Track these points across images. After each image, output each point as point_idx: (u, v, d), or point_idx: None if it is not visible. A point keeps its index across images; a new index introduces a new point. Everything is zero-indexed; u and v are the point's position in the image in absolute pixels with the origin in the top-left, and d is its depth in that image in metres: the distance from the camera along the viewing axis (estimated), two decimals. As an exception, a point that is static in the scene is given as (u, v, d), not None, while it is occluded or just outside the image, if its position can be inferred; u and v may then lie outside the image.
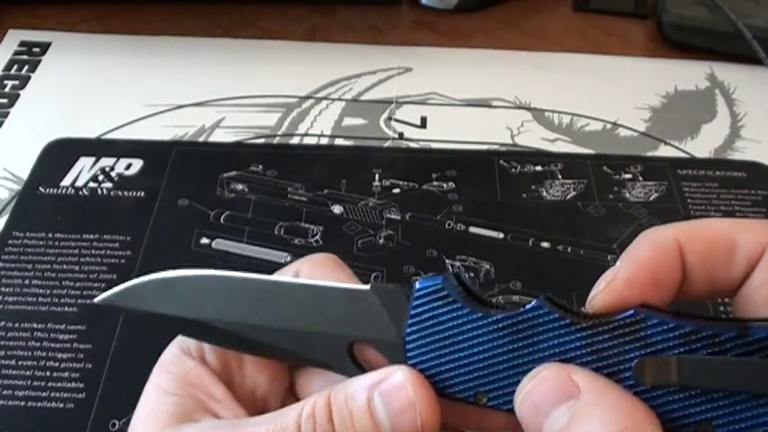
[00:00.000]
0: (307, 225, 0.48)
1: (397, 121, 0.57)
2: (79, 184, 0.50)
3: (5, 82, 0.59)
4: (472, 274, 0.46)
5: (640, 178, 0.52)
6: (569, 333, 0.23)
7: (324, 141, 0.55)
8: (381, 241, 0.48)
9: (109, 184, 0.50)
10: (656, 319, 0.22)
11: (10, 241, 0.46)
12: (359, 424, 0.23)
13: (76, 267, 0.45)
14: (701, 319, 0.23)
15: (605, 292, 0.23)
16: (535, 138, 0.56)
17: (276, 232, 0.48)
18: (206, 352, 0.28)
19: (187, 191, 0.50)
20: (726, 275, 0.24)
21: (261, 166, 0.52)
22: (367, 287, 0.25)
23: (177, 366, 0.27)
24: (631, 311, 0.23)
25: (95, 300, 0.28)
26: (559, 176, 0.52)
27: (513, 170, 0.53)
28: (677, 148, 0.55)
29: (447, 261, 0.46)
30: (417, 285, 0.25)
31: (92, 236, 0.47)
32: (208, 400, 0.26)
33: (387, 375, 0.23)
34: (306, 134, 0.55)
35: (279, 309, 0.26)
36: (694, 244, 0.24)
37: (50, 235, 0.47)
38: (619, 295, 0.23)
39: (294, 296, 0.26)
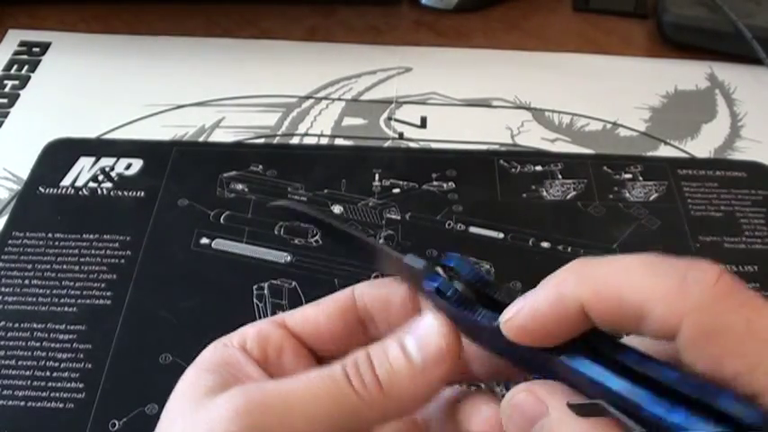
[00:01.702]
0: (307, 225, 0.48)
1: (397, 121, 0.57)
2: (79, 184, 0.50)
3: (5, 82, 0.59)
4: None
5: (640, 178, 0.52)
6: None
7: (324, 141, 0.55)
8: (381, 241, 0.48)
9: (109, 184, 0.50)
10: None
11: (10, 241, 0.46)
12: (392, 356, 0.25)
13: (76, 267, 0.45)
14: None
15: (506, 326, 0.24)
16: (535, 138, 0.56)
17: (276, 232, 0.48)
18: (247, 341, 0.28)
19: (187, 191, 0.50)
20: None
21: (261, 166, 0.52)
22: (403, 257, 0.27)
23: (216, 352, 0.28)
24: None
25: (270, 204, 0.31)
26: (559, 176, 0.52)
27: (513, 170, 0.53)
28: (677, 148, 0.55)
29: (447, 261, 0.46)
30: (424, 285, 0.26)
31: (92, 236, 0.47)
32: (245, 379, 0.27)
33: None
34: (306, 134, 0.55)
35: None
36: (599, 309, 0.23)
37: (50, 235, 0.47)
38: (515, 336, 0.24)
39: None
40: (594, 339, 0.23)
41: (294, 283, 0.45)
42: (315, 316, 0.29)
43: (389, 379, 0.25)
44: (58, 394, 0.40)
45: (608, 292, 0.23)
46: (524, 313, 0.24)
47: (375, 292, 0.29)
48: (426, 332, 0.26)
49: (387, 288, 0.29)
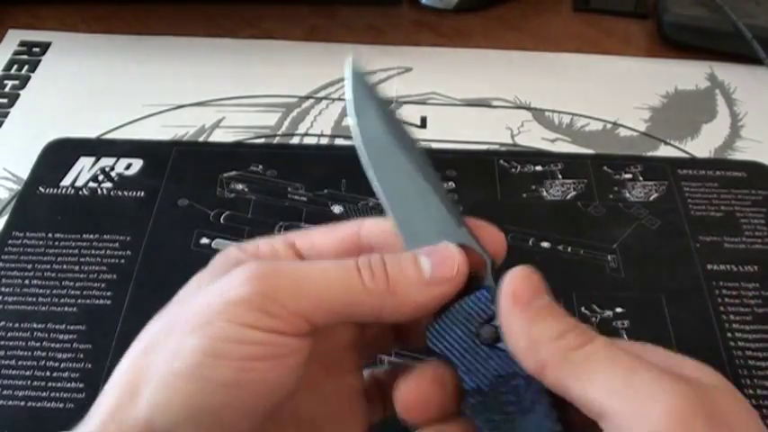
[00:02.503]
0: (307, 225, 0.48)
1: (397, 121, 0.57)
2: (79, 184, 0.50)
3: (5, 82, 0.59)
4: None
5: (640, 178, 0.52)
6: None
7: (324, 141, 0.55)
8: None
9: (109, 184, 0.50)
10: None
11: (10, 241, 0.46)
12: (404, 263, 0.27)
13: (76, 267, 0.45)
14: None
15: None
16: (535, 138, 0.56)
17: (276, 232, 0.48)
18: (259, 253, 0.30)
19: (187, 191, 0.50)
20: None
21: (261, 166, 0.52)
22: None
23: (231, 254, 0.30)
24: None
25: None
26: (559, 176, 0.52)
27: (513, 170, 0.53)
28: (677, 148, 0.55)
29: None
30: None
31: (92, 236, 0.47)
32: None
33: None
34: (306, 134, 0.55)
35: None
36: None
37: (50, 235, 0.47)
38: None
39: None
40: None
41: (294, 283, 0.45)
42: (321, 242, 0.30)
43: (397, 279, 0.27)
44: (57, 394, 0.40)
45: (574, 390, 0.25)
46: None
47: (380, 228, 0.30)
48: (443, 255, 0.27)
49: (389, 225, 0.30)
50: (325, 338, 0.29)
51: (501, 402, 0.26)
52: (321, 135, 0.55)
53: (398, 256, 0.28)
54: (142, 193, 0.50)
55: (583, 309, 0.44)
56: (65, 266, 0.45)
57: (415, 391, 0.27)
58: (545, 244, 0.48)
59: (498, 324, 0.27)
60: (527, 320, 0.25)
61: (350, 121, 0.31)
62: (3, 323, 0.42)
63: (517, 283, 0.26)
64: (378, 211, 0.49)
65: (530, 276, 0.26)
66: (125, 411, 0.25)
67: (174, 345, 0.25)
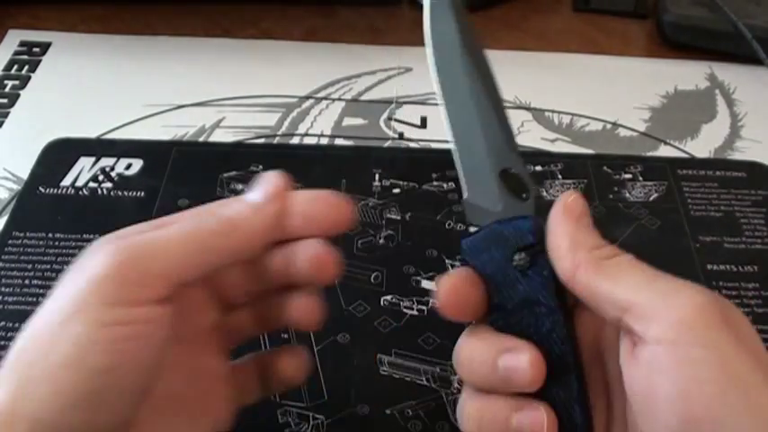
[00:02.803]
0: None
1: (397, 121, 0.57)
2: (79, 184, 0.50)
3: (5, 82, 0.59)
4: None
5: (640, 178, 0.52)
6: None
7: (324, 141, 0.55)
8: (381, 241, 0.48)
9: (109, 184, 0.50)
10: None
11: (10, 241, 0.46)
12: (236, 203, 0.31)
13: (76, 267, 0.45)
14: None
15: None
16: (535, 138, 0.56)
17: (276, 232, 0.48)
18: None
19: (187, 191, 0.50)
20: None
21: (261, 166, 0.52)
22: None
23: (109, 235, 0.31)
24: None
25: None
26: (559, 176, 0.52)
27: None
28: (677, 148, 0.55)
29: (447, 261, 0.46)
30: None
31: (92, 236, 0.47)
32: None
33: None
34: (306, 134, 0.55)
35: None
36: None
37: (50, 235, 0.47)
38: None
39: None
40: None
41: (294, 283, 0.45)
42: None
43: (232, 215, 0.30)
44: (58, 394, 0.40)
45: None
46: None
47: (305, 197, 0.32)
48: (264, 181, 0.31)
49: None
50: (189, 320, 0.32)
51: (521, 323, 0.28)
52: (321, 135, 0.55)
53: (231, 200, 0.31)
54: (142, 194, 0.50)
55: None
56: (65, 266, 0.45)
57: (453, 287, 0.29)
58: (545, 244, 0.48)
59: (532, 252, 0.29)
60: (573, 227, 0.28)
61: (425, 25, 0.33)
62: (3, 323, 0.42)
63: (572, 199, 0.29)
64: (378, 211, 0.49)
65: (582, 199, 0.30)
66: (11, 409, 0.26)
67: (51, 337, 0.27)
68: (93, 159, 0.52)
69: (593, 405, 0.29)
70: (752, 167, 0.53)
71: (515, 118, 0.57)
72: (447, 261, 0.46)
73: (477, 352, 0.29)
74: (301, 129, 0.56)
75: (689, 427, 0.25)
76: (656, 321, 0.25)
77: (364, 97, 0.59)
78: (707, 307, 0.25)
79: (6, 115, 0.56)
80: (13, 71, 0.60)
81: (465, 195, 0.31)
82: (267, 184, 0.31)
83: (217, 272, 0.32)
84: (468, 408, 0.30)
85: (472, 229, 0.30)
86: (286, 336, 0.42)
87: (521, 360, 0.28)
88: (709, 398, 0.24)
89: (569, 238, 0.28)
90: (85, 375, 0.26)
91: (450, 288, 0.29)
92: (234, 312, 0.34)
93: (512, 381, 0.28)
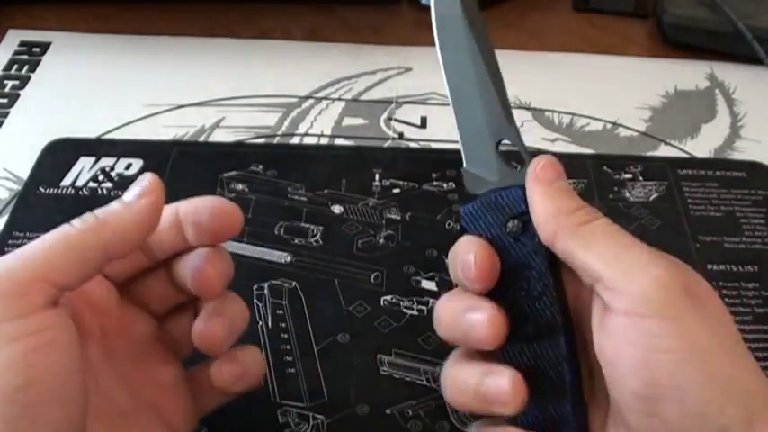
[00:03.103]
0: (307, 225, 0.48)
1: (397, 121, 0.57)
2: (79, 184, 0.50)
3: (5, 82, 0.59)
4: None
5: (640, 178, 0.52)
6: None
7: (324, 141, 0.55)
8: (381, 241, 0.48)
9: (109, 184, 0.50)
10: None
11: (10, 241, 0.46)
12: (109, 206, 0.31)
13: (76, 267, 0.45)
14: None
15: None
16: (535, 138, 0.56)
17: (276, 232, 0.48)
18: None
19: (187, 191, 0.50)
20: None
21: (261, 166, 0.52)
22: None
23: None
24: None
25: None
26: (559, 176, 0.52)
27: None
28: (677, 148, 0.55)
29: (447, 261, 0.46)
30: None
31: (92, 236, 0.47)
32: None
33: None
34: (306, 134, 0.55)
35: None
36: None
37: (50, 235, 0.47)
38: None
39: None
40: None
41: (294, 283, 0.45)
42: None
43: (105, 213, 0.30)
44: (58, 394, 0.40)
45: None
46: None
47: (193, 204, 0.33)
48: (135, 183, 0.31)
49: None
50: (122, 335, 0.33)
51: (515, 285, 0.30)
52: (321, 135, 0.55)
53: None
54: (142, 193, 0.50)
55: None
56: (65, 266, 0.45)
57: (486, 256, 0.30)
58: (545, 244, 0.48)
59: (524, 219, 0.30)
60: (547, 196, 0.30)
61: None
62: (3, 323, 0.42)
63: (542, 165, 0.30)
64: (378, 211, 0.49)
65: (553, 162, 0.31)
66: None
67: None
68: (93, 159, 0.52)
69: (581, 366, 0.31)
70: (752, 167, 0.53)
71: (515, 118, 0.57)
72: (447, 261, 0.46)
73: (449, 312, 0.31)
74: (301, 129, 0.56)
75: (652, 391, 0.27)
76: (621, 294, 0.27)
77: (364, 97, 0.59)
78: (668, 281, 0.27)
79: (6, 115, 0.56)
80: (13, 71, 0.60)
81: (464, 165, 0.33)
82: (138, 183, 0.31)
83: (135, 282, 0.34)
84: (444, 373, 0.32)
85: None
86: (286, 336, 0.42)
87: (480, 319, 0.30)
88: (669, 366, 0.26)
89: (544, 209, 0.30)
90: (9, 397, 0.26)
91: (484, 260, 0.30)
92: (173, 321, 0.36)
93: (472, 337, 0.30)
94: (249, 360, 0.35)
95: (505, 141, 0.32)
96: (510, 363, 0.30)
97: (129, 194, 0.31)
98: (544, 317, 0.30)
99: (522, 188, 0.31)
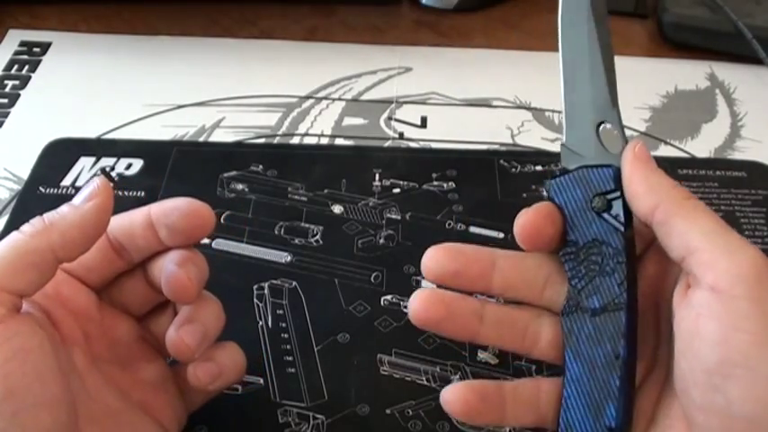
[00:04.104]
0: (307, 225, 0.48)
1: (397, 120, 0.57)
2: (79, 184, 0.50)
3: (5, 82, 0.59)
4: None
5: (640, 178, 0.52)
6: None
7: (324, 141, 0.55)
8: (381, 241, 0.48)
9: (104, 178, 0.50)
10: None
11: (10, 241, 0.46)
12: (59, 209, 0.31)
13: (77, 267, 0.45)
14: None
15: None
16: (535, 137, 0.56)
17: (276, 232, 0.48)
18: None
19: (187, 191, 0.49)
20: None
21: (261, 166, 0.52)
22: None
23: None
24: None
25: None
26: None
27: (514, 170, 0.53)
28: (677, 147, 0.55)
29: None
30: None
31: (92, 236, 0.47)
32: None
33: None
34: (306, 134, 0.55)
35: None
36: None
37: (50, 235, 0.47)
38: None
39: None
40: None
41: (294, 283, 0.45)
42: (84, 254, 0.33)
43: (51, 217, 0.31)
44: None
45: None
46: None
47: (119, 224, 0.34)
48: (86, 185, 0.32)
49: (129, 219, 0.34)
50: (103, 338, 0.34)
51: (589, 260, 0.32)
52: (321, 135, 0.55)
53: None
54: (142, 194, 0.50)
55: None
56: (65, 266, 0.45)
57: (533, 220, 0.32)
58: (545, 244, 0.48)
59: (611, 198, 0.32)
60: (649, 170, 0.31)
61: None
62: (3, 323, 0.42)
63: (640, 146, 0.32)
64: (378, 211, 0.49)
65: (646, 146, 0.32)
66: None
67: None
68: (93, 159, 0.52)
69: (639, 346, 0.32)
70: (752, 167, 0.53)
71: (515, 118, 0.57)
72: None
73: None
74: (301, 129, 0.56)
75: (724, 369, 0.27)
76: (715, 270, 0.28)
77: (364, 97, 0.59)
78: (763, 265, 0.28)
79: (6, 115, 0.56)
80: (13, 71, 0.60)
81: (564, 140, 0.34)
82: (87, 186, 0.32)
83: (117, 287, 0.35)
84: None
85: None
86: (286, 336, 0.42)
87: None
88: (748, 347, 0.27)
89: (645, 182, 0.31)
90: None
91: (527, 221, 0.32)
92: (154, 320, 0.36)
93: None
94: (226, 358, 0.35)
95: (607, 125, 0.34)
96: (570, 332, 0.32)
97: (78, 198, 0.32)
98: (612, 293, 0.31)
99: (614, 168, 0.32)
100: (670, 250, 0.30)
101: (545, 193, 0.32)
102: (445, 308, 0.32)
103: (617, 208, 0.32)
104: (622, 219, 0.32)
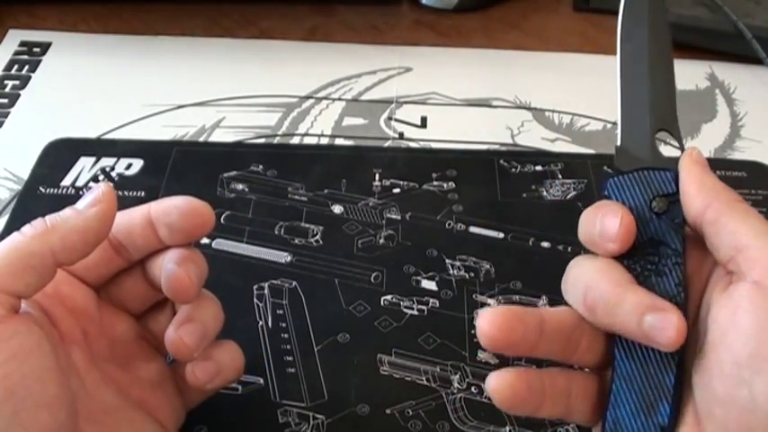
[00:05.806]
0: (307, 225, 0.48)
1: (397, 120, 0.57)
2: (80, 184, 0.50)
3: (6, 82, 0.59)
4: (472, 274, 0.46)
5: (640, 178, 0.52)
6: None
7: (324, 141, 0.55)
8: (381, 241, 0.48)
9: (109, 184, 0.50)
10: None
11: (10, 241, 0.46)
12: (62, 212, 0.31)
13: (77, 267, 0.45)
14: None
15: None
16: (535, 138, 0.56)
17: (276, 232, 0.48)
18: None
19: (187, 191, 0.49)
20: None
21: (261, 166, 0.52)
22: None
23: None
24: None
25: None
26: (559, 176, 0.52)
27: (514, 170, 0.53)
28: (677, 147, 0.55)
29: (447, 261, 0.46)
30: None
31: (92, 236, 0.47)
32: None
33: None
34: (306, 134, 0.56)
35: None
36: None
37: (50, 235, 0.47)
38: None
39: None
40: None
41: (294, 283, 0.45)
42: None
43: (53, 220, 0.30)
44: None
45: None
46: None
47: (118, 222, 0.33)
48: (91, 190, 0.32)
49: (128, 217, 0.34)
50: (104, 334, 0.34)
51: (646, 258, 0.32)
52: (321, 135, 0.55)
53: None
54: (142, 193, 0.50)
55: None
56: (65, 266, 0.45)
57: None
58: (545, 244, 0.48)
59: (671, 200, 0.32)
60: (704, 173, 0.32)
61: None
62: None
63: (697, 152, 0.33)
64: (378, 211, 0.49)
65: (702, 154, 0.34)
66: None
67: None
68: (93, 159, 0.52)
69: None
70: (752, 167, 0.53)
71: (515, 118, 0.57)
72: (447, 261, 0.46)
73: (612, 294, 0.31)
74: (301, 129, 0.56)
75: (755, 362, 0.27)
76: (763, 265, 0.28)
77: (364, 97, 0.59)
78: None
79: (6, 115, 0.56)
80: (13, 71, 0.60)
81: (618, 142, 0.35)
82: (92, 191, 0.32)
83: (113, 285, 0.35)
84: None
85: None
86: (286, 336, 0.42)
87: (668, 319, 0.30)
88: None
89: (699, 182, 0.32)
90: None
91: (630, 219, 0.32)
92: (153, 319, 0.36)
93: (653, 339, 0.30)
94: (225, 357, 0.35)
95: (664, 132, 0.36)
96: None
97: (82, 202, 0.32)
98: (669, 292, 0.31)
99: (674, 173, 0.33)
100: (717, 249, 0.30)
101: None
102: (524, 327, 0.31)
103: (676, 211, 0.32)
104: (680, 221, 0.32)
